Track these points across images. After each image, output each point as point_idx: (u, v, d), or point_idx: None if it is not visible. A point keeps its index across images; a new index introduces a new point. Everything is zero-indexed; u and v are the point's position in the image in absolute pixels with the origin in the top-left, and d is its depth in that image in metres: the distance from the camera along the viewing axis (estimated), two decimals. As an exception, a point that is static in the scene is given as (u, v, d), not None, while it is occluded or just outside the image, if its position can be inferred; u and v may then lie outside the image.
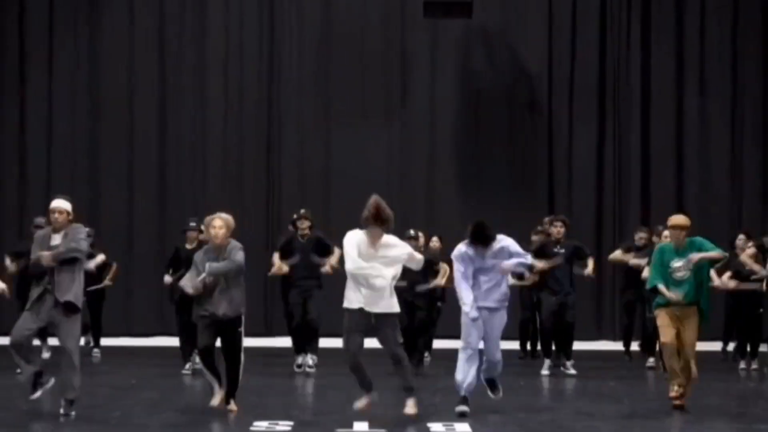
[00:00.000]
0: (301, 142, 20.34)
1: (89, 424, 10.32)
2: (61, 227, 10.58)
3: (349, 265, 10.40)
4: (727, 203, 20.13)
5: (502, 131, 20.26)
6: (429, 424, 10.39)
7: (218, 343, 10.94)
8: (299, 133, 20.33)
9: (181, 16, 20.40)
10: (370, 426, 10.27)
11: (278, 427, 10.17)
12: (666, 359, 11.45)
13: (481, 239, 10.85)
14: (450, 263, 13.82)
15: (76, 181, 20.01)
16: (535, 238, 15.98)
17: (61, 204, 10.63)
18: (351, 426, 10.24)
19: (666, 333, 11.21)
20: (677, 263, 11.25)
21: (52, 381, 10.72)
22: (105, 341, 17.11)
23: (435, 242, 15.88)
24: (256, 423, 10.30)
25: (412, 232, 15.37)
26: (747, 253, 14.98)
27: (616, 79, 20.29)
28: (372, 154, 20.22)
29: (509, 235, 11.34)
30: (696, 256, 11.19)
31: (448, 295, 15.31)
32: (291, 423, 10.38)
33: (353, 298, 10.49)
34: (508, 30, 20.44)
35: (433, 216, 19.85)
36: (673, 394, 11.23)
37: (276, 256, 14.94)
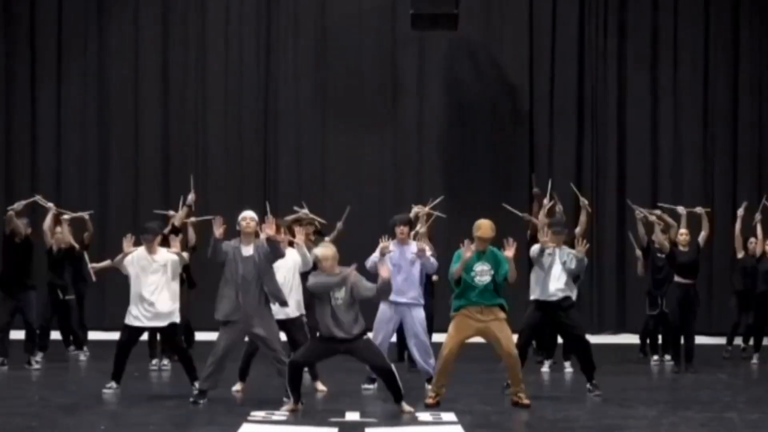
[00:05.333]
0: (297, 149, 20.29)
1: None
2: None
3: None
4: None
5: (486, 139, 20.19)
6: (417, 414, 10.35)
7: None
8: (295, 140, 20.29)
9: (184, 30, 20.35)
10: (362, 416, 10.24)
11: (275, 417, 10.16)
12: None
13: None
14: None
15: (86, 186, 20.10)
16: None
17: None
18: (343, 416, 10.21)
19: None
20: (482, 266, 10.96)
21: None
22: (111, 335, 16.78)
23: None
24: (253, 413, 10.26)
25: None
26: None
27: (594, 92, 20.23)
28: (364, 159, 20.19)
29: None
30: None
31: None
32: (287, 413, 10.31)
33: None
34: (492, 43, 20.39)
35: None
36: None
37: None
